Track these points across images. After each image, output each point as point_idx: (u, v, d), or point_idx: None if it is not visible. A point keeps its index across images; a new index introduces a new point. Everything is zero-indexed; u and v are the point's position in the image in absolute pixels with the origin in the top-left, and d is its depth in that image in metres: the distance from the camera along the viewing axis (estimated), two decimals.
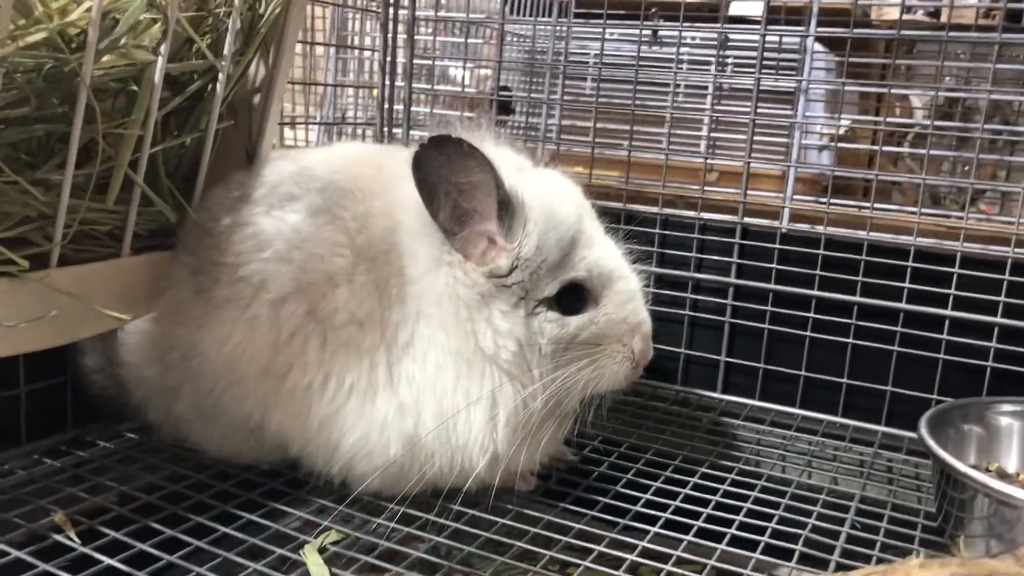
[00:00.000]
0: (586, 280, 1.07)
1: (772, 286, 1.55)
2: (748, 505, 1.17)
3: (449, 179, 1.01)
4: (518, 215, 1.05)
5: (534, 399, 1.06)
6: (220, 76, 1.13)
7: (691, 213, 1.62)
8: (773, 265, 1.55)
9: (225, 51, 1.12)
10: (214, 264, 1.09)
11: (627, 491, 1.20)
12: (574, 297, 1.08)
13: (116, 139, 1.04)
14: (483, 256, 1.06)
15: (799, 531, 1.09)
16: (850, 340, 1.50)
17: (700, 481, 1.25)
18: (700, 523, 1.10)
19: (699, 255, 1.61)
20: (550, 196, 1.09)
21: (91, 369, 1.23)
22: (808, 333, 1.53)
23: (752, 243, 1.57)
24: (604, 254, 1.10)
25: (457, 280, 1.04)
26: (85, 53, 0.94)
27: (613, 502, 1.17)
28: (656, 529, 1.09)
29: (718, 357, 1.60)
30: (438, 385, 1.05)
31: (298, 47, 2.05)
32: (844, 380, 1.51)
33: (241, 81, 1.23)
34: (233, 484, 1.13)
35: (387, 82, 1.76)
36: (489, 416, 1.05)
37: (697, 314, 1.62)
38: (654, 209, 1.63)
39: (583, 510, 1.14)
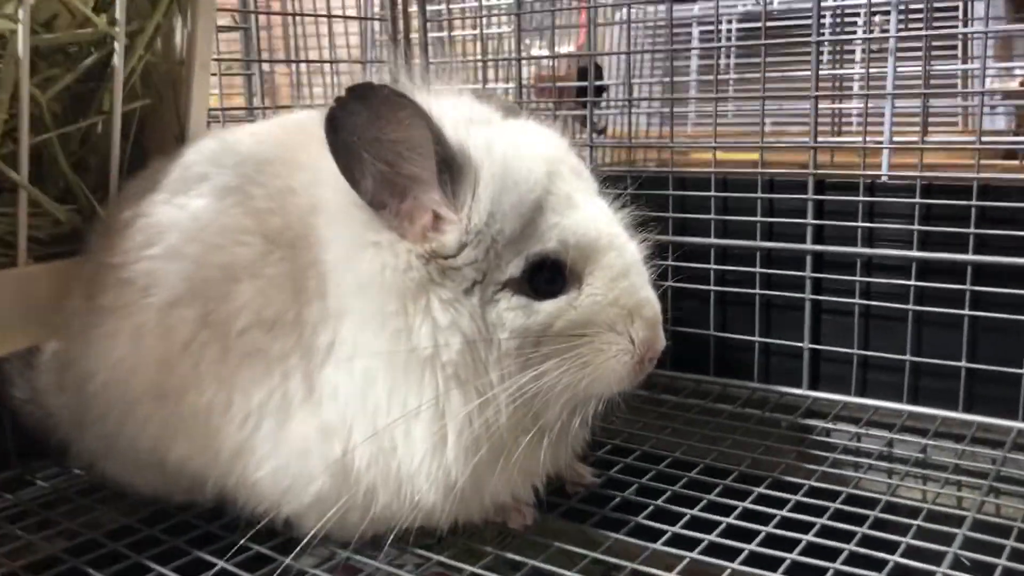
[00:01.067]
0: (559, 253, 0.81)
1: (860, 249, 1.23)
2: (823, 521, 0.91)
3: (375, 138, 0.79)
4: (464, 176, 0.81)
5: (495, 410, 0.82)
6: (116, 46, 0.95)
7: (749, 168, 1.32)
8: (859, 223, 1.23)
9: (117, 15, 0.94)
10: (103, 266, 0.90)
11: (668, 506, 0.98)
12: (548, 276, 0.82)
13: None
14: (424, 233, 0.82)
15: (886, 556, 0.82)
16: (966, 312, 1.16)
17: (764, 492, 0.99)
18: (753, 546, 0.86)
19: (767, 219, 1.30)
20: (508, 150, 0.84)
21: (21, 400, 1.08)
22: (911, 306, 1.20)
23: (837, 196, 1.25)
24: (585, 219, 0.84)
25: (385, 265, 0.81)
26: None
27: (647, 521, 0.94)
28: (693, 555, 0.86)
29: (800, 344, 1.29)
30: (369, 397, 0.82)
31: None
32: (963, 364, 1.17)
33: (163, 55, 1.06)
34: (163, 528, 0.95)
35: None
36: (432, 433, 0.82)
37: (771, 292, 1.32)
38: (707, 170, 1.34)
39: (609, 532, 0.92)
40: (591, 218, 0.85)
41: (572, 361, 0.82)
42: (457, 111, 0.88)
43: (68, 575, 0.87)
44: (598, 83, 2.14)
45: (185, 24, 1.03)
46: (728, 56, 2.35)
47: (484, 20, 1.71)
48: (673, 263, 1.34)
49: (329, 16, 1.67)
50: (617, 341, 0.83)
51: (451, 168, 0.81)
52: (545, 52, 2.57)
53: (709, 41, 2.26)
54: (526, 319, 0.81)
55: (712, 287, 1.34)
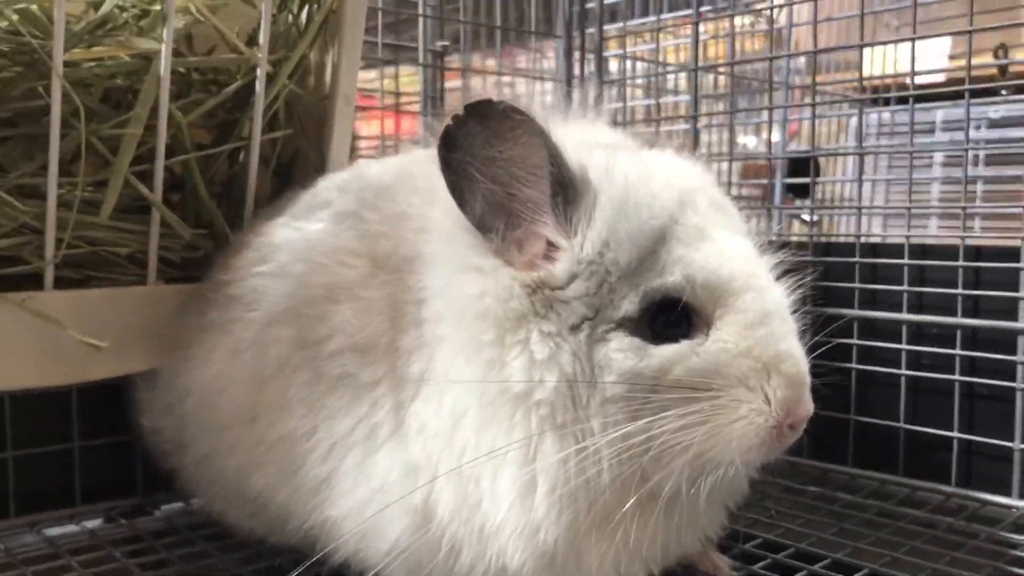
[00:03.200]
0: (683, 290, 0.70)
1: None
2: None
3: (489, 157, 0.72)
4: (581, 200, 0.72)
5: (596, 462, 0.71)
6: (258, 72, 0.96)
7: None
8: None
9: (260, 40, 0.95)
10: (215, 282, 0.89)
11: None
12: (671, 319, 0.71)
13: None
14: (533, 262, 0.74)
15: None
16: None
17: None
18: None
19: (970, 292, 1.11)
20: (633, 173, 0.75)
21: (147, 428, 1.07)
22: None
23: None
24: (719, 253, 0.72)
25: (486, 291, 0.73)
26: (54, 37, 0.82)
27: None
28: None
29: (1010, 444, 1.07)
30: (457, 435, 0.73)
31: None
32: None
33: (312, 89, 1.06)
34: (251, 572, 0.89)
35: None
36: (520, 480, 0.71)
37: (975, 379, 1.11)
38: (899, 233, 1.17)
39: None
40: (726, 253, 0.73)
41: (691, 417, 0.70)
42: (585, 135, 0.81)
43: None
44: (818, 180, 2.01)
45: (331, 57, 1.03)
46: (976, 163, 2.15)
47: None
48: (857, 342, 1.18)
49: (505, 28, 1.64)
50: (749, 399, 0.69)
51: (566, 190, 0.72)
52: (754, 142, 2.46)
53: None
54: (637, 362, 0.70)
55: (904, 371, 1.15)
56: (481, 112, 0.71)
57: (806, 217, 2.01)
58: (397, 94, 1.55)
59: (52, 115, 0.83)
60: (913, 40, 1.17)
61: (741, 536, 0.97)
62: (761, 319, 0.71)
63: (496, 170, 0.72)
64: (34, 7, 0.84)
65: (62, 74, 0.82)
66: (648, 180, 0.75)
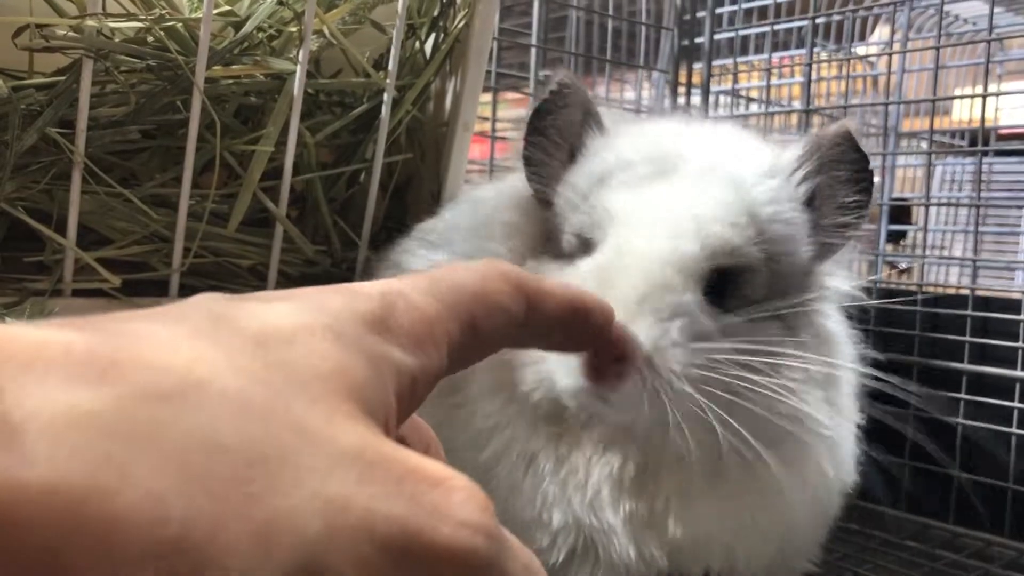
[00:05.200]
0: (585, 229, 0.73)
1: None
2: None
3: (549, 124, 0.79)
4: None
5: None
6: (385, 96, 0.97)
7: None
8: None
9: (390, 66, 0.97)
10: None
11: None
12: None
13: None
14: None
15: None
16: None
17: None
18: None
19: None
20: (629, 130, 0.81)
21: None
22: None
23: None
24: (626, 198, 0.71)
25: None
26: (198, 54, 0.85)
27: None
28: None
29: None
30: None
31: None
32: None
33: (432, 115, 1.08)
34: None
35: None
36: None
37: None
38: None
39: None
40: (631, 197, 0.72)
41: None
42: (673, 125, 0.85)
43: None
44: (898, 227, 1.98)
45: (453, 85, 1.04)
46: None
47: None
48: (966, 396, 1.15)
49: (608, 60, 1.64)
50: None
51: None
52: None
53: None
54: None
55: (1015, 430, 1.12)
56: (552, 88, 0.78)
57: (902, 265, 1.97)
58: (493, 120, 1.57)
59: (190, 128, 0.86)
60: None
61: None
62: (603, 260, 0.69)
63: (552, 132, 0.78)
64: (179, 26, 0.87)
65: (203, 89, 0.85)
66: (632, 135, 0.78)
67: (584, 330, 0.50)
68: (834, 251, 0.76)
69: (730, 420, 0.65)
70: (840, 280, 0.80)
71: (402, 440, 0.39)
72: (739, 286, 0.70)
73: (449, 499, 0.29)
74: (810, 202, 0.75)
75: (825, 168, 0.74)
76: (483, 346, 0.42)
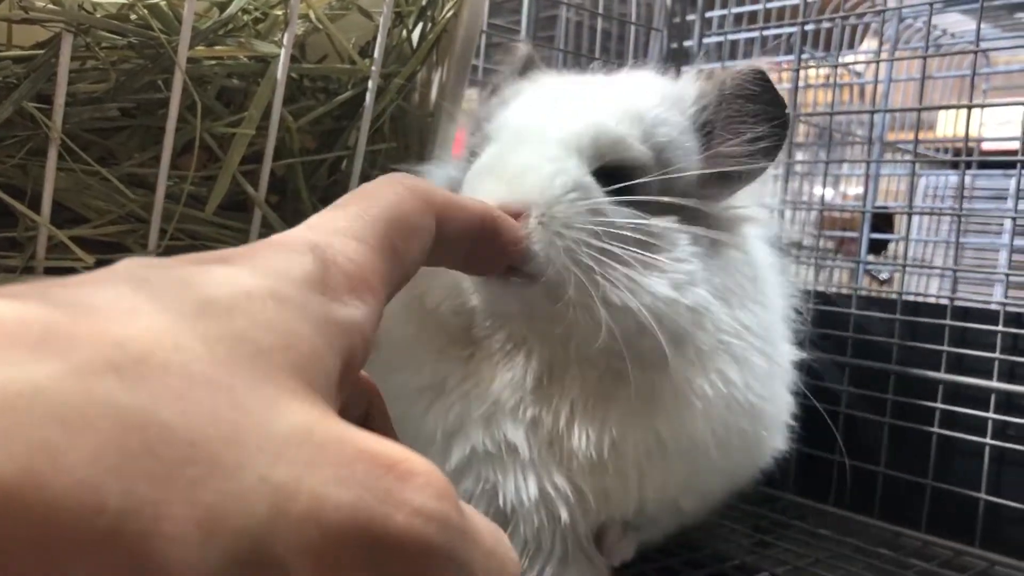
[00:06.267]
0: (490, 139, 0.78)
1: None
2: None
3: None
4: None
5: None
6: (370, 84, 0.96)
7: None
8: None
9: (376, 54, 0.96)
10: None
11: None
12: None
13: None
14: None
15: None
16: None
17: None
18: None
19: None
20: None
21: None
22: None
23: None
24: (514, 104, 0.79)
25: None
26: (181, 34, 0.83)
27: None
28: None
29: None
30: None
31: None
32: None
33: (417, 105, 1.07)
34: None
35: None
36: None
37: (1005, 444, 1.08)
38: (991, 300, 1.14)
39: None
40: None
41: None
42: None
43: None
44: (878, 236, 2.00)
45: (439, 75, 1.04)
46: None
47: None
48: (942, 405, 1.15)
49: (598, 58, 1.63)
50: None
51: None
52: (831, 194, 2.44)
53: None
54: None
55: (989, 440, 1.12)
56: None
57: (883, 275, 1.99)
58: None
59: (171, 108, 0.84)
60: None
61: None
62: (494, 149, 0.72)
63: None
64: (163, 4, 0.86)
65: (185, 69, 0.84)
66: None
67: (493, 245, 0.50)
68: (737, 182, 0.77)
69: (628, 298, 0.65)
70: (752, 212, 0.81)
71: (344, 407, 0.37)
72: (632, 190, 0.70)
73: (404, 485, 0.27)
74: (708, 130, 0.77)
75: (728, 100, 0.76)
76: (407, 270, 0.41)
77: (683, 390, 0.70)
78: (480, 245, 0.49)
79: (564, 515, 0.72)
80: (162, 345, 0.26)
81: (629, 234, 0.67)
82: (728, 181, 0.77)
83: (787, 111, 0.75)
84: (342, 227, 0.38)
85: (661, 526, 0.88)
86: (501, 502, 0.73)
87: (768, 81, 0.75)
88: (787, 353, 0.88)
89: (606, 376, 0.70)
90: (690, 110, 0.78)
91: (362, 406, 0.47)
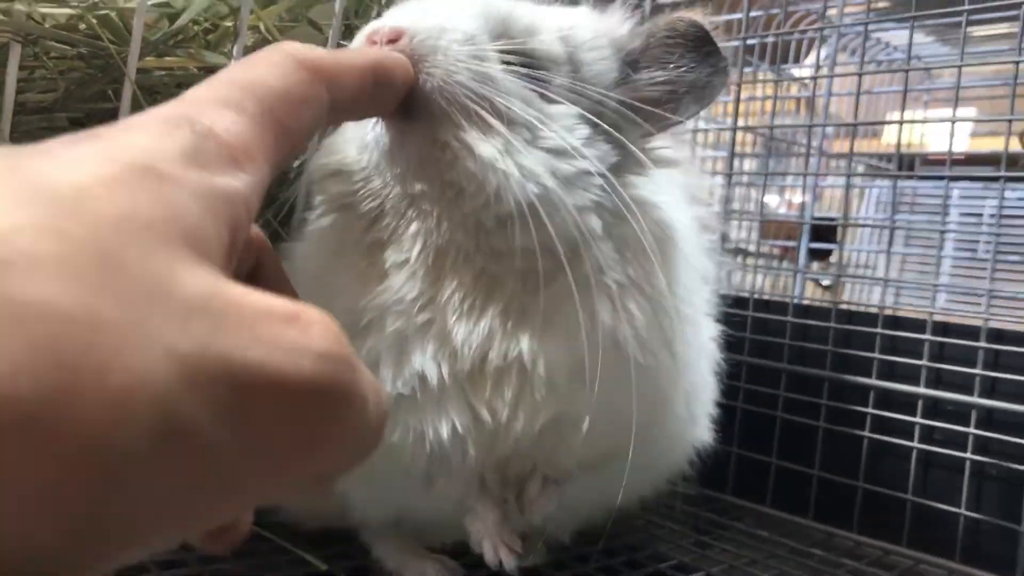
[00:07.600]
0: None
1: None
2: None
3: None
4: None
5: None
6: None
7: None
8: None
9: None
10: None
11: None
12: None
13: None
14: None
15: None
16: None
17: None
18: None
19: (989, 372, 1.12)
20: None
21: None
22: None
23: None
24: None
25: None
26: (131, 44, 0.85)
27: None
28: None
29: (1015, 527, 1.08)
30: None
31: None
32: None
33: None
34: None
35: None
36: None
37: (984, 458, 1.12)
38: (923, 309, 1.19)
39: None
40: None
41: None
42: None
43: None
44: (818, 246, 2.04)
45: None
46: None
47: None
48: (873, 411, 1.20)
49: None
50: None
51: None
52: (776, 202, 2.49)
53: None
54: None
55: (916, 444, 1.17)
56: None
57: (826, 282, 2.04)
58: None
59: (120, 118, 0.85)
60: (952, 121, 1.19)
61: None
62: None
63: None
64: (113, 14, 0.87)
65: (134, 79, 0.85)
66: None
67: (389, 89, 0.51)
68: (661, 120, 0.72)
69: (498, 158, 0.62)
70: (672, 154, 0.77)
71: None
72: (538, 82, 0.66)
73: (306, 334, 0.29)
74: (633, 64, 0.73)
75: (659, 38, 0.72)
76: (296, 142, 0.41)
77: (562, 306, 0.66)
78: (376, 92, 0.50)
79: (471, 450, 0.69)
80: (44, 234, 0.25)
81: (517, 101, 0.63)
82: (646, 118, 0.71)
83: (725, 61, 0.71)
84: (218, 96, 0.38)
85: (581, 487, 0.80)
86: (428, 448, 0.69)
87: (704, 30, 0.71)
88: (707, 327, 0.85)
89: (489, 268, 0.67)
90: (617, 40, 0.74)
91: (249, 262, 0.47)
